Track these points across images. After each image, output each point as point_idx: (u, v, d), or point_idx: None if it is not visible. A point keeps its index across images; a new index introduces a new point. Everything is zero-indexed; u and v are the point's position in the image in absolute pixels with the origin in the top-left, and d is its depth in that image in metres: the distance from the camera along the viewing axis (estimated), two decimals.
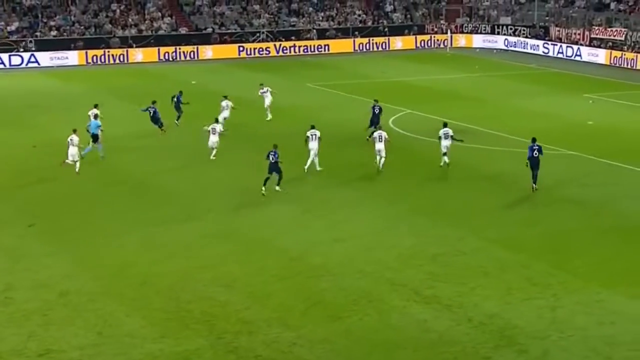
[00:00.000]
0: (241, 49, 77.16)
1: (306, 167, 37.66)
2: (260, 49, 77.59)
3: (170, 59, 74.72)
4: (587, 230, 30.70)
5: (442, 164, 38.16)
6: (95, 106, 43.05)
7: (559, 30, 77.87)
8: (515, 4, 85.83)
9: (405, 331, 23.16)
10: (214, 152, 39.89)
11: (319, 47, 78.84)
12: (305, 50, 78.38)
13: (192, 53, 75.73)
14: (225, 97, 45.73)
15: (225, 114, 44.90)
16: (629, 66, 67.85)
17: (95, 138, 40.34)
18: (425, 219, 32.05)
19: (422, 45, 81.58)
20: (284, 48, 78.14)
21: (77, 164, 37.97)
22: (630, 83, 61.04)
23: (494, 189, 35.82)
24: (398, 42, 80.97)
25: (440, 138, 38.33)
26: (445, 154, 38.10)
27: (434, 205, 33.85)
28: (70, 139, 37.93)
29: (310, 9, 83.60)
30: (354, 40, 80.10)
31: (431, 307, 24.42)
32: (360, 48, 79.81)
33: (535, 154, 35.26)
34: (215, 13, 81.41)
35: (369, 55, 77.78)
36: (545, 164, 37.87)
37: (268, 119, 48.27)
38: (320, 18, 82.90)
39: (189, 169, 39.20)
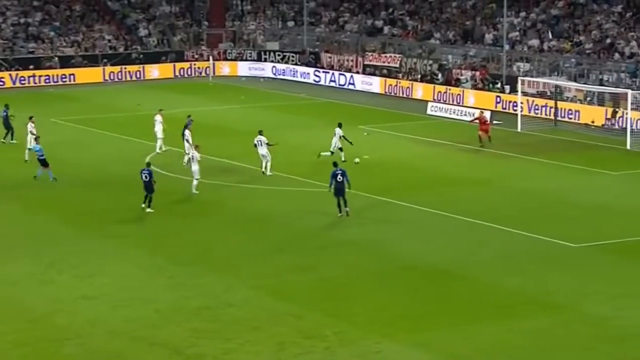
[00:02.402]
0: None
1: (268, 172, 44.09)
2: None
3: None
4: (364, 274, 31.44)
5: (268, 171, 44.34)
6: (30, 118, 47.32)
7: (330, 57, 79.99)
8: (283, 28, 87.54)
9: None
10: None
11: (63, 76, 77.34)
12: (47, 81, 76.70)
13: None
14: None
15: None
16: (404, 95, 70.44)
17: (44, 163, 43.31)
18: (187, 268, 31.92)
19: (182, 73, 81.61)
20: (22, 78, 76.15)
21: None
22: (406, 113, 63.31)
23: (262, 232, 36.20)
24: (154, 71, 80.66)
25: (255, 146, 44.25)
26: (267, 160, 44.28)
27: (197, 252, 33.80)
28: None
29: (52, 33, 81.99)
30: (103, 69, 79.14)
31: None
32: (111, 77, 78.90)
33: (340, 178, 36.83)
34: None
35: (121, 85, 77.06)
36: (315, 202, 38.64)
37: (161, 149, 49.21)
38: (64, 44, 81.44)
39: None
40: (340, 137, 47.51)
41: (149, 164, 39.11)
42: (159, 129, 49.54)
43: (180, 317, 27.56)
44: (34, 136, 45.98)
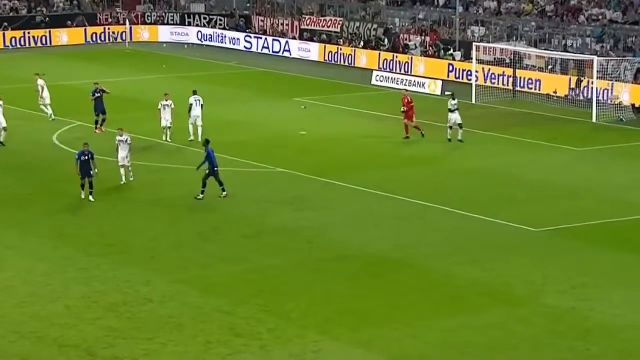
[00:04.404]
0: None
1: (191, 138, 45.97)
2: None
3: None
4: (302, 265, 31.65)
5: (191, 139, 46.10)
6: None
7: (263, 21, 79.94)
8: None
9: None
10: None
11: None
12: None
13: None
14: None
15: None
16: (346, 63, 70.68)
17: None
18: (101, 259, 31.86)
19: (95, 39, 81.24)
20: None
21: None
22: (349, 84, 63.60)
23: (185, 218, 36.30)
24: (63, 36, 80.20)
25: (190, 108, 45.70)
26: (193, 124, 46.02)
27: (112, 241, 33.76)
28: None
29: None
30: (4, 34, 78.55)
31: None
32: (13, 44, 78.46)
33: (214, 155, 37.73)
34: None
35: (24, 52, 76.47)
36: (249, 185, 38.76)
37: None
38: None
39: None
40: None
41: (86, 145, 37.96)
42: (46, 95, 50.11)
43: (93, 315, 27.51)
44: None
